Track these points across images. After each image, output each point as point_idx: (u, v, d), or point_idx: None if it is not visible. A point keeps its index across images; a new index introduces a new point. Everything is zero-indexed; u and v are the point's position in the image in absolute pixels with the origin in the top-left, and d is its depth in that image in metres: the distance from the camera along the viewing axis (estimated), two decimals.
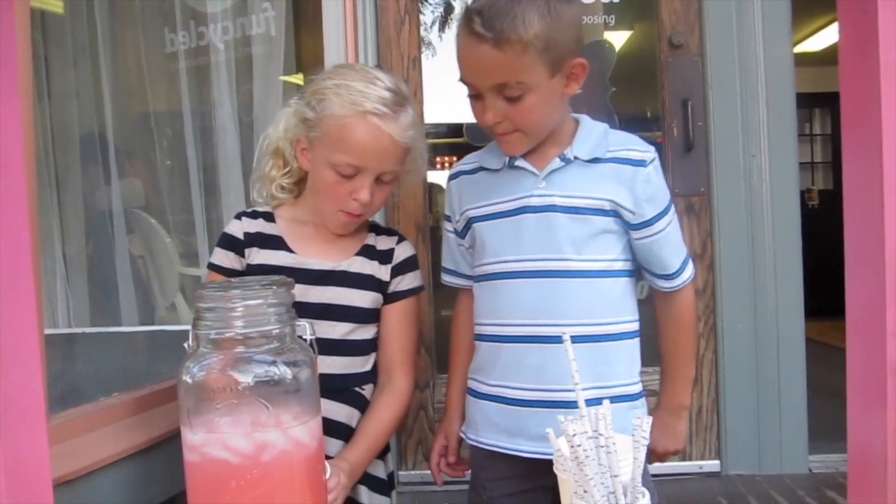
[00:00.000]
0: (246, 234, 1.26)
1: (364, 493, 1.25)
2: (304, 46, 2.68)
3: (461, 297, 1.35)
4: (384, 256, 1.29)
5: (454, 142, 3.67)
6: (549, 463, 0.77)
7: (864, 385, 0.63)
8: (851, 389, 0.65)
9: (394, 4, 2.41)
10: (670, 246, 1.20)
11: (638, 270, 1.24)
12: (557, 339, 1.12)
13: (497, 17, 1.05)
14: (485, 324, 1.24)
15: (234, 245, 1.26)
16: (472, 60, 1.11)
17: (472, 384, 1.27)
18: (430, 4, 2.78)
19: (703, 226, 2.41)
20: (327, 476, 1.03)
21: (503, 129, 1.14)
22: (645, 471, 1.19)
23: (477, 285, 1.27)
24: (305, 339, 0.90)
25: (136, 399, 1.28)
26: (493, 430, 1.21)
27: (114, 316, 2.78)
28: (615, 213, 1.16)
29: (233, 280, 1.15)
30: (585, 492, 0.67)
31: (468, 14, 1.09)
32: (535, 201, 1.17)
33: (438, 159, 3.01)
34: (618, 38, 2.52)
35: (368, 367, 1.29)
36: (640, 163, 1.15)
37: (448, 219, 1.32)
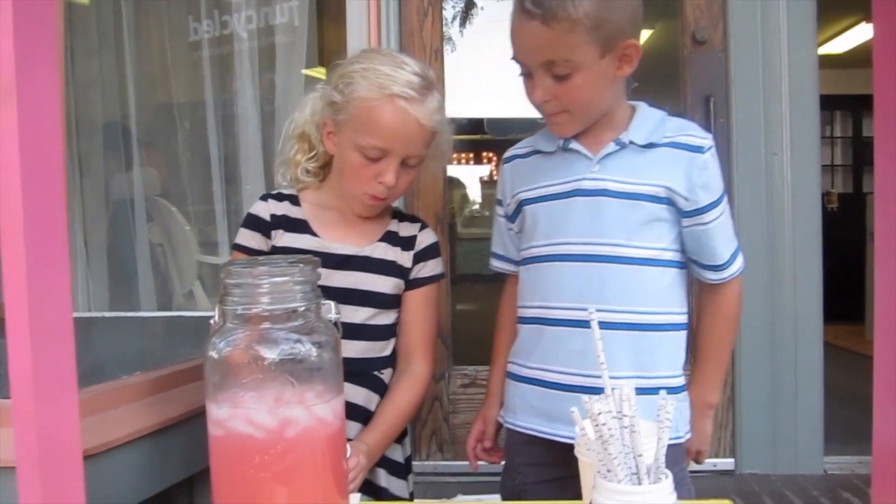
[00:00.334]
0: (273, 216, 1.26)
1: (383, 476, 1.26)
2: (327, 36, 2.70)
3: (508, 283, 1.35)
4: (407, 243, 1.30)
5: (474, 138, 3.67)
6: None
7: (891, 380, 0.63)
8: (878, 384, 0.65)
9: None
10: (721, 236, 1.18)
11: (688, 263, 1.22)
12: (602, 325, 1.11)
13: None
14: (528, 306, 1.23)
15: (261, 226, 1.26)
16: (522, 37, 1.12)
17: (511, 367, 1.26)
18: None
19: None
20: (348, 457, 1.04)
21: (551, 108, 1.14)
22: (682, 472, 1.19)
23: (522, 268, 1.26)
24: (330, 319, 0.90)
25: (157, 379, 1.30)
26: (531, 414, 1.20)
27: (132, 302, 2.81)
28: (669, 201, 1.14)
29: (259, 258, 1.16)
30: (609, 471, 0.67)
31: None
32: (587, 185, 1.16)
33: (456, 156, 3.00)
34: (641, 34, 2.51)
35: (388, 352, 1.30)
36: (698, 149, 1.14)
37: (499, 203, 1.32)
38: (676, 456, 1.17)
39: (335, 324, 0.92)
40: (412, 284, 1.29)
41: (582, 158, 1.18)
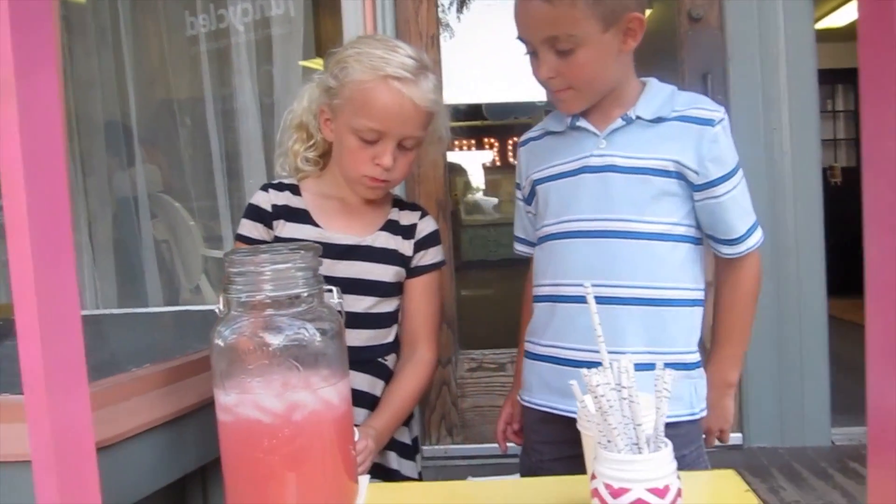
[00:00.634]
0: (274, 206, 1.27)
1: (394, 458, 1.28)
2: (323, 26, 2.70)
3: (531, 266, 1.34)
4: (407, 231, 1.31)
5: (474, 124, 3.67)
6: None
7: (882, 337, 0.64)
8: (871, 352, 0.65)
9: None
10: (736, 209, 1.16)
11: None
12: (613, 301, 1.13)
13: None
14: (541, 284, 1.23)
15: (263, 217, 1.27)
16: (525, 14, 1.12)
17: (528, 346, 1.26)
18: None
19: None
20: (356, 440, 1.06)
21: (556, 85, 1.14)
22: (699, 451, 1.19)
23: (537, 248, 1.26)
24: (333, 304, 0.92)
25: (167, 370, 1.31)
26: (546, 391, 1.20)
27: (140, 298, 2.83)
28: (678, 175, 1.13)
29: (261, 246, 1.18)
30: (609, 441, 0.69)
31: None
32: (594, 161, 1.16)
33: (457, 142, 3.00)
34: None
35: (391, 339, 1.31)
36: (708, 122, 1.13)
37: (518, 187, 1.32)
38: (692, 434, 1.17)
39: (339, 309, 0.93)
40: (413, 272, 1.30)
41: (590, 136, 1.18)
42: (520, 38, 1.16)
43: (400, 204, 1.35)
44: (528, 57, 1.18)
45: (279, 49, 2.61)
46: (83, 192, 2.86)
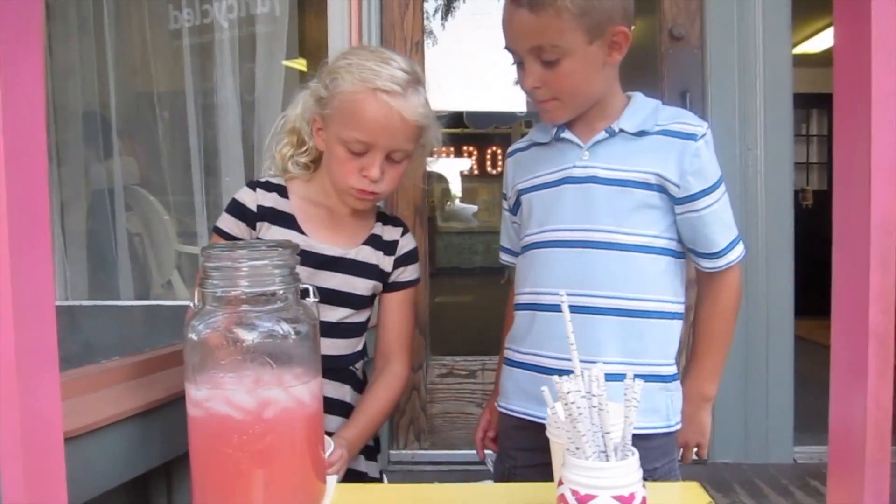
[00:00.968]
0: (260, 206, 1.25)
1: (362, 461, 1.29)
2: (308, 27, 2.70)
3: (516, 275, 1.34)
4: (389, 247, 1.32)
5: (454, 132, 3.69)
6: None
7: (846, 352, 0.65)
8: (835, 357, 0.67)
9: None
10: (717, 224, 1.16)
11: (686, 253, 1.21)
12: (591, 311, 1.14)
13: None
14: (522, 293, 1.24)
15: (246, 216, 1.25)
16: (512, 24, 1.14)
17: (506, 353, 1.27)
18: None
19: None
20: (331, 451, 1.07)
21: (542, 95, 1.16)
22: (672, 464, 1.19)
23: (520, 257, 1.27)
24: (308, 303, 0.92)
25: (136, 363, 1.31)
26: (522, 398, 1.21)
27: (111, 291, 2.80)
28: (659, 188, 1.14)
29: (239, 241, 1.17)
30: (578, 448, 0.69)
31: None
32: (577, 172, 1.17)
33: (436, 150, 3.00)
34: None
35: (360, 347, 1.33)
36: (691, 136, 1.14)
37: (504, 197, 1.34)
38: (666, 446, 1.18)
39: (314, 310, 0.94)
40: (391, 287, 1.32)
41: (574, 147, 1.19)
42: (507, 48, 1.17)
43: (383, 218, 1.35)
44: (512, 67, 1.20)
45: (263, 47, 2.60)
46: (57, 181, 2.83)
